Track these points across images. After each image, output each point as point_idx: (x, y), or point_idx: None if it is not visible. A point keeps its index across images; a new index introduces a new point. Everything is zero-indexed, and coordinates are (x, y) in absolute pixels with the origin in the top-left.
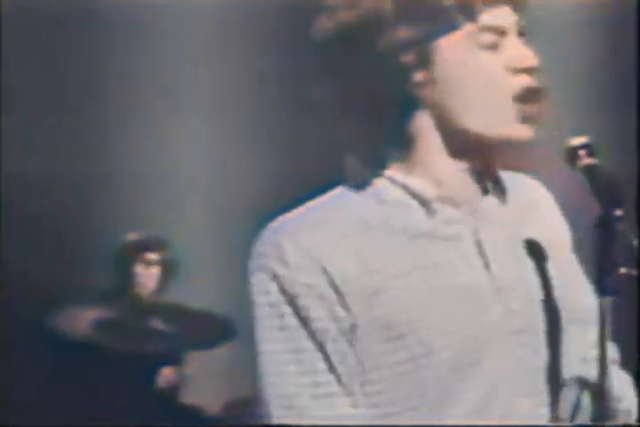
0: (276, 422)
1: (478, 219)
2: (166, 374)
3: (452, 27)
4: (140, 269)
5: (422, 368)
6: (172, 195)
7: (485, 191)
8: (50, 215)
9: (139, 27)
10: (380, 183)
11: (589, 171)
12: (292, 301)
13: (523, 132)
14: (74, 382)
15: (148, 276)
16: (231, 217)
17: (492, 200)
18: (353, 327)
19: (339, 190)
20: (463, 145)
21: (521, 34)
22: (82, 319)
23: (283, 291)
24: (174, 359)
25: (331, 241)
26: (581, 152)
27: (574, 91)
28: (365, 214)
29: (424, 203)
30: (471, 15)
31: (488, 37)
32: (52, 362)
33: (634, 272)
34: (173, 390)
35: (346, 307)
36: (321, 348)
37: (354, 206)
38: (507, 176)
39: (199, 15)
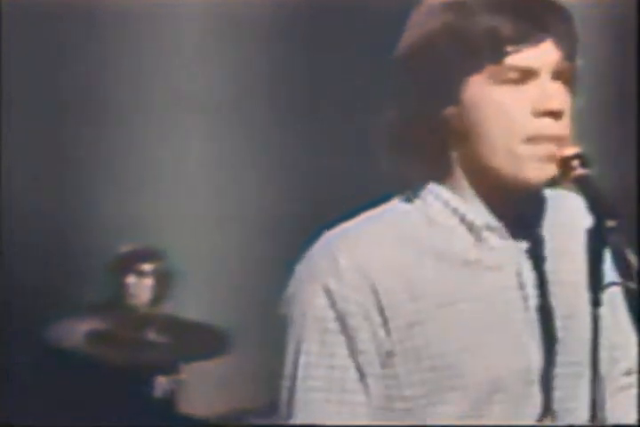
0: None
1: (521, 249)
2: (162, 384)
3: (477, 67)
4: (132, 280)
5: (448, 402)
6: (170, 205)
7: (529, 221)
8: (46, 225)
9: (137, 27)
10: (431, 202)
11: (582, 181)
12: (339, 317)
13: (537, 173)
14: (69, 393)
15: (141, 287)
16: (230, 228)
17: (535, 230)
18: (389, 353)
19: (392, 204)
20: (494, 180)
21: (559, 72)
22: (76, 331)
23: (332, 307)
24: (169, 370)
25: (385, 261)
26: (574, 162)
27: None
28: (417, 235)
29: (473, 230)
30: (497, 58)
31: (512, 76)
32: (47, 373)
33: (630, 285)
34: (169, 401)
35: (387, 331)
36: (358, 368)
37: (407, 225)
38: (552, 197)
39: (200, 15)
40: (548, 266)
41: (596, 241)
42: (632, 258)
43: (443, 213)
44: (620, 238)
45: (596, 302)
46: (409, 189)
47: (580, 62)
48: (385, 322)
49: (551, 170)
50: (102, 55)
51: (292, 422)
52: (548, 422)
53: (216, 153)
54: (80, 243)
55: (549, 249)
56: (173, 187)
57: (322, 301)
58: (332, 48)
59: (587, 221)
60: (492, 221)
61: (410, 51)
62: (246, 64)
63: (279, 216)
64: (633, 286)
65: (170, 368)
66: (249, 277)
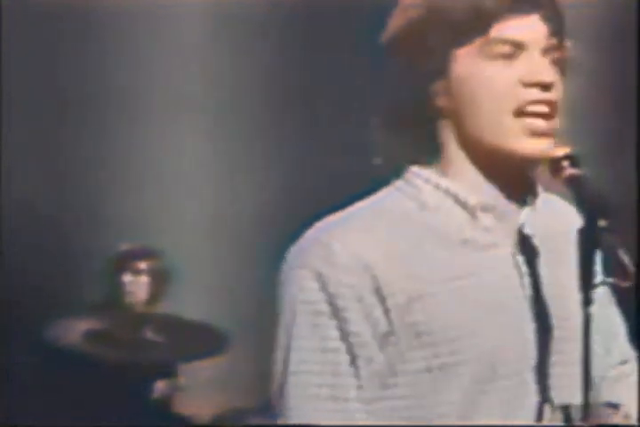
0: (289, 419)
1: (515, 229)
2: (160, 385)
3: (463, 39)
4: (128, 278)
5: (449, 377)
6: (169, 204)
7: (523, 203)
8: (44, 225)
9: (137, 27)
10: (421, 186)
11: (573, 181)
12: (331, 300)
13: (530, 146)
14: (68, 393)
15: (137, 285)
16: (228, 227)
17: (529, 213)
18: (388, 332)
19: (383, 192)
20: (485, 154)
21: (548, 49)
22: (74, 330)
23: (324, 289)
24: (167, 370)
25: (377, 243)
26: (565, 163)
27: (571, 94)
28: (411, 219)
29: (467, 209)
30: (482, 30)
31: (501, 49)
32: (47, 373)
33: (622, 284)
34: (167, 401)
35: (385, 310)
36: (349, 350)
37: (399, 210)
38: (544, 196)
39: (200, 15)
40: (542, 247)
41: (588, 241)
42: (625, 257)
43: (434, 196)
44: (613, 238)
45: (587, 302)
46: (396, 177)
47: (570, 46)
48: (382, 301)
49: (542, 144)
50: (102, 55)
51: (284, 408)
52: (546, 410)
53: (214, 153)
54: (79, 243)
55: (542, 232)
56: (172, 186)
57: (313, 284)
58: (331, 48)
59: (577, 219)
60: (486, 200)
61: (397, 30)
62: (246, 64)
63: (277, 215)
64: (625, 285)
65: (168, 369)
66: (246, 276)
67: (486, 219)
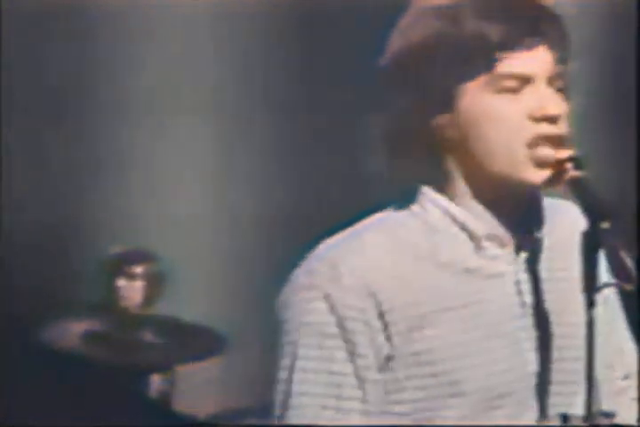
0: None
1: (519, 257)
2: (156, 383)
3: (469, 75)
4: (123, 282)
5: (448, 407)
6: (165, 206)
7: (528, 229)
8: (41, 227)
9: (137, 27)
10: (430, 209)
11: (576, 184)
12: (339, 322)
13: (537, 176)
14: (66, 394)
15: (132, 289)
16: (225, 228)
17: (534, 239)
18: (388, 358)
19: (391, 211)
20: (493, 185)
21: (554, 77)
22: (71, 332)
23: (332, 312)
24: (164, 371)
25: (384, 267)
26: (568, 165)
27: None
28: (416, 242)
29: (474, 239)
30: (488, 66)
31: (508, 84)
32: (47, 373)
33: (625, 286)
34: (164, 401)
35: (387, 336)
36: (355, 373)
37: (406, 232)
38: (550, 206)
39: (199, 15)
40: (546, 273)
41: (591, 243)
42: (627, 259)
43: (442, 221)
44: (615, 240)
45: (590, 304)
46: (405, 195)
47: (572, 65)
48: (385, 327)
49: (550, 173)
50: (101, 55)
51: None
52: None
53: (213, 153)
54: (76, 244)
55: (548, 256)
56: (169, 187)
57: (321, 306)
58: (333, 48)
59: (583, 227)
60: (492, 229)
61: (400, 58)
62: (246, 64)
63: (274, 216)
64: (628, 287)
65: (166, 371)
66: (244, 278)
67: (491, 248)
